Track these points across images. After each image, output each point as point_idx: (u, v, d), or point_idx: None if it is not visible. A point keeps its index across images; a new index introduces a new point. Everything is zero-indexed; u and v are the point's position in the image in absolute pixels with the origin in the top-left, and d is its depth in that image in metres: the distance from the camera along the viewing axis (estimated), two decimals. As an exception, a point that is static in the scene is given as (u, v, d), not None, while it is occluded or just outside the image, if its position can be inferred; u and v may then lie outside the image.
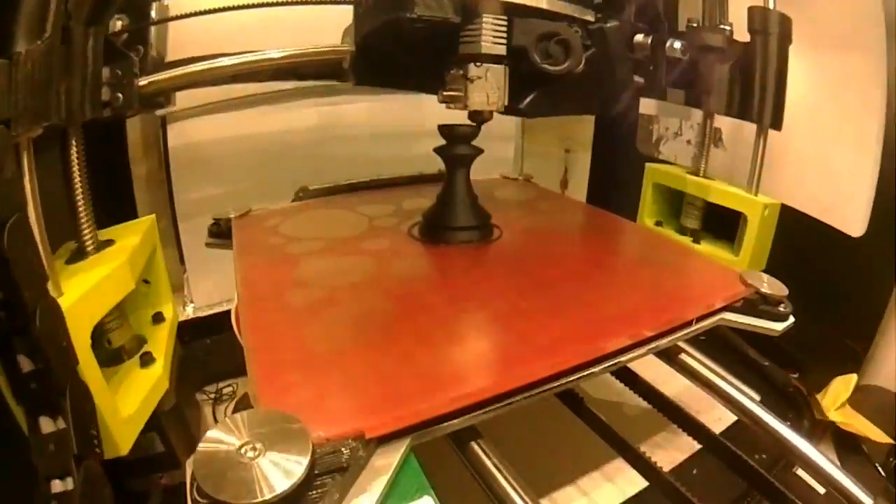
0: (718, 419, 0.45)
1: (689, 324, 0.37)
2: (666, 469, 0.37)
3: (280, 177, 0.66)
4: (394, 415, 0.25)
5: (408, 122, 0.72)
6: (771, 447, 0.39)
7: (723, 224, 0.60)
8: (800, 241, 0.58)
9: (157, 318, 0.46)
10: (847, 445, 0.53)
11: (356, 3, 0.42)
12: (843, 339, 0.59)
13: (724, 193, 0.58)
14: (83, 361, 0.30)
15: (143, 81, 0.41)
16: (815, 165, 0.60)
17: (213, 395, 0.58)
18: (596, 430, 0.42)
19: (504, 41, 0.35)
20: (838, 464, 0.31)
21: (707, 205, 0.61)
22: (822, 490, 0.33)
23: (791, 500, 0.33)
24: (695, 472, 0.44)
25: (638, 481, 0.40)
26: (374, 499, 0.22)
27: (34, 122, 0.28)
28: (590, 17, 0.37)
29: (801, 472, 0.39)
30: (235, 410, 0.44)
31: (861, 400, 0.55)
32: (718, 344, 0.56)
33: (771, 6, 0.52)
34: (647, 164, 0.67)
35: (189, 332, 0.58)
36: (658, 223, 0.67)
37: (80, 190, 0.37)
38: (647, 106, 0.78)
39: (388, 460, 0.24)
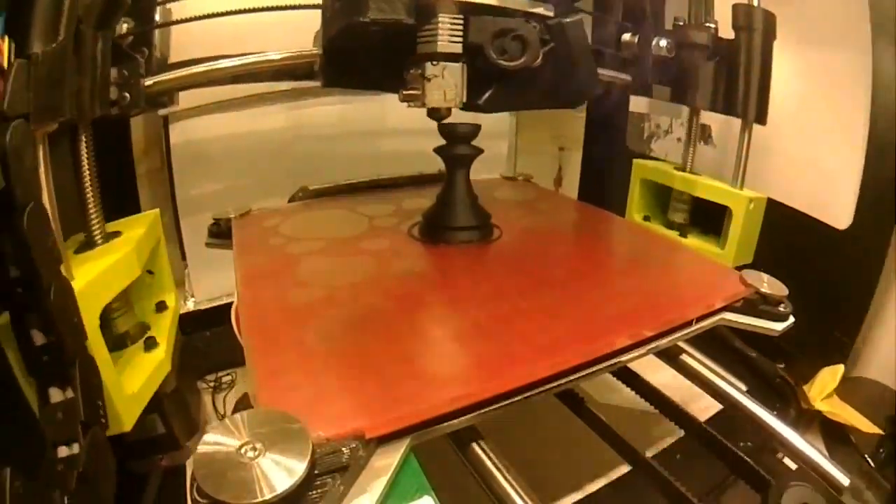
0: (704, 408, 0.46)
1: (690, 324, 0.37)
2: (664, 466, 0.37)
3: (280, 175, 0.68)
4: (394, 415, 0.25)
5: (409, 120, 0.74)
6: (756, 435, 0.40)
7: (710, 218, 0.61)
8: (786, 234, 0.59)
9: (161, 306, 0.48)
10: (835, 436, 0.54)
11: (322, 7, 0.43)
12: (830, 331, 0.59)
13: (710, 188, 0.59)
14: (92, 341, 0.31)
15: (148, 82, 0.43)
16: (802, 160, 0.61)
17: (212, 384, 0.60)
18: (596, 431, 0.42)
19: (460, 40, 0.36)
20: (822, 449, 0.32)
21: (694, 200, 0.62)
22: (793, 465, 0.34)
23: (768, 481, 0.34)
24: (694, 473, 0.44)
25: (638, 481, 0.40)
26: (374, 499, 0.22)
27: (50, 117, 0.30)
28: (548, 13, 0.38)
29: (787, 461, 0.40)
30: (235, 410, 0.45)
31: (849, 391, 0.56)
32: (706, 335, 0.57)
33: (755, 3, 0.53)
34: (635, 161, 0.68)
35: (190, 324, 0.60)
36: (646, 218, 0.68)
37: (89, 183, 0.39)
38: (638, 104, 0.80)
39: (388, 460, 0.24)
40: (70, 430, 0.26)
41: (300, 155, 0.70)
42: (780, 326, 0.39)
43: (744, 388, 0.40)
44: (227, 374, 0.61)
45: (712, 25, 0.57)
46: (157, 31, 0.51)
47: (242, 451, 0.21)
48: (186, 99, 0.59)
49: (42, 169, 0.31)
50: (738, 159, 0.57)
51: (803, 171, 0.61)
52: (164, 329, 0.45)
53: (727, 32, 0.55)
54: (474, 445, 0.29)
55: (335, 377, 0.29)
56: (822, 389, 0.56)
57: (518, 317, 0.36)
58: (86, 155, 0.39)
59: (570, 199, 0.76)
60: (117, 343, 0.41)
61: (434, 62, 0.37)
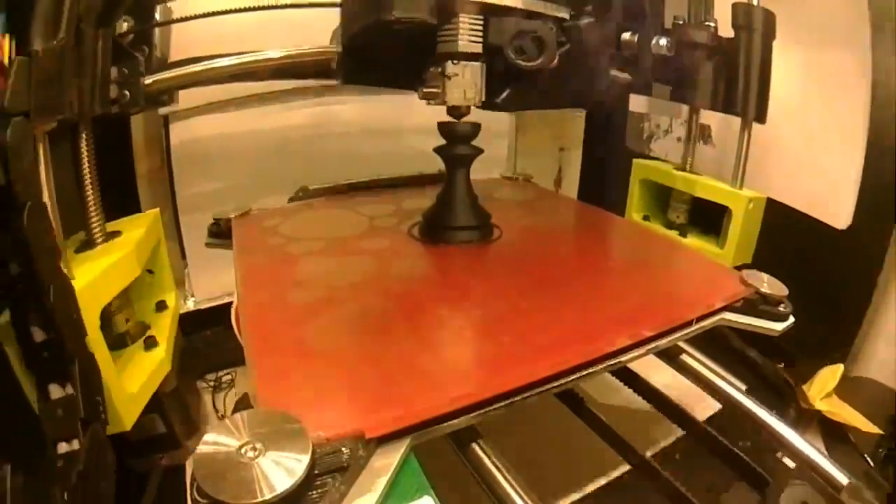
0: (705, 408, 0.46)
1: (689, 324, 0.37)
2: (667, 470, 0.37)
3: (280, 174, 0.68)
4: (394, 415, 0.25)
5: (409, 120, 0.74)
6: (756, 435, 0.40)
7: (709, 218, 0.61)
8: (786, 234, 0.59)
9: (161, 305, 0.48)
10: (834, 436, 0.54)
11: (342, 5, 0.43)
12: (830, 330, 0.59)
13: (710, 188, 0.59)
14: (93, 341, 0.31)
15: (148, 80, 0.43)
16: (802, 160, 0.61)
17: (212, 383, 0.60)
18: (596, 430, 0.42)
19: (480, 40, 0.37)
20: (821, 449, 0.32)
21: (693, 199, 0.62)
22: (791, 464, 0.34)
23: (767, 480, 0.34)
24: (694, 473, 0.44)
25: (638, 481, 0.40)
26: (374, 499, 0.22)
27: (50, 115, 0.30)
28: (565, 15, 0.39)
29: (786, 460, 0.40)
30: (235, 410, 0.45)
31: (849, 391, 0.56)
32: (706, 335, 0.57)
33: (755, 2, 0.53)
34: (635, 160, 0.68)
35: (190, 323, 0.60)
36: (645, 217, 0.68)
37: (89, 182, 0.39)
38: (638, 103, 0.80)
39: (388, 460, 0.24)
40: (70, 427, 0.26)
41: (301, 154, 0.70)
42: (780, 326, 0.40)
43: (743, 387, 0.40)
44: (227, 374, 0.61)
45: (712, 24, 0.57)
46: (157, 30, 0.51)
47: (242, 451, 0.21)
48: (187, 98, 0.59)
49: (42, 167, 0.31)
50: (737, 159, 0.57)
51: (803, 171, 0.61)
52: (164, 328, 0.45)
53: (727, 31, 0.55)
54: (474, 445, 0.29)
55: (335, 377, 0.29)
56: (822, 389, 0.56)
57: (518, 317, 0.36)
58: (86, 153, 0.39)
59: (569, 199, 0.76)
60: (117, 342, 0.41)
61: (455, 61, 0.38)
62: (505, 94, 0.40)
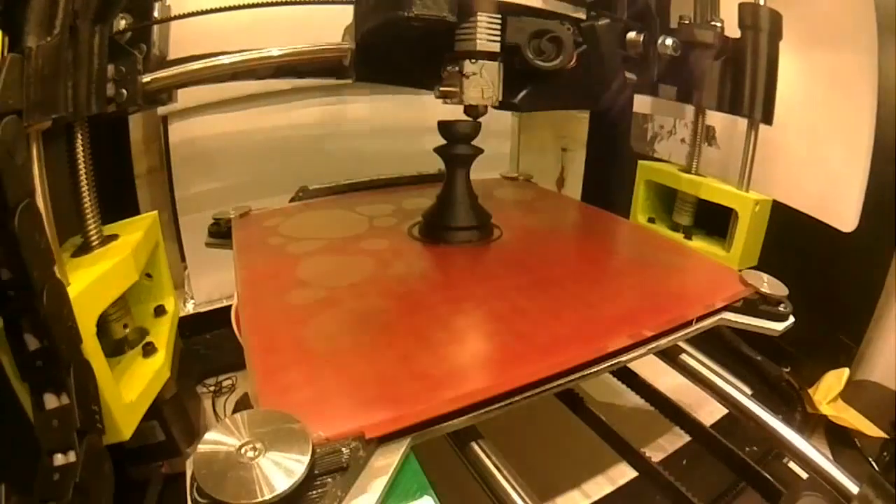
0: (710, 412, 0.46)
1: (690, 324, 0.37)
2: (667, 470, 0.37)
3: (280, 174, 0.67)
4: (394, 415, 0.25)
5: (409, 119, 0.73)
6: (762, 439, 0.39)
7: (715, 220, 0.60)
8: (791, 236, 0.59)
9: (159, 310, 0.47)
10: (840, 440, 0.54)
11: (356, 1, 0.43)
12: (835, 334, 0.59)
13: (716, 190, 0.58)
14: (89, 349, 0.31)
15: (146, 78, 0.42)
16: (808, 162, 0.61)
17: (212, 388, 0.59)
18: (595, 430, 0.42)
19: (498, 39, 0.37)
20: (828, 455, 0.32)
21: (699, 201, 0.61)
22: (804, 475, 0.33)
23: (778, 489, 0.34)
24: (695, 472, 0.44)
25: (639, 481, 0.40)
26: (374, 499, 0.22)
27: (44, 114, 0.29)
28: (581, 15, 0.39)
29: (792, 465, 0.39)
30: (235, 410, 0.44)
31: (855, 395, 0.56)
32: (711, 338, 0.57)
33: (761, 2, 0.53)
34: (640, 162, 0.68)
35: (189, 327, 0.59)
36: (651, 220, 0.68)
37: (85, 183, 0.38)
38: (641, 104, 0.79)
39: (388, 460, 0.24)
40: (66, 438, 0.25)
41: (301, 154, 0.70)
42: (780, 326, 0.39)
43: (748, 391, 0.39)
44: (228, 378, 0.60)
45: (718, 24, 0.56)
46: (155, 27, 0.50)
47: (242, 450, 0.21)
48: (186, 97, 0.58)
49: (36, 167, 0.30)
50: (744, 161, 0.57)
51: (808, 174, 0.60)
52: (162, 334, 0.44)
53: (733, 31, 0.55)
54: (474, 445, 0.29)
55: (335, 377, 0.29)
56: (828, 393, 0.56)
57: (518, 317, 0.36)
58: (82, 154, 0.38)
59: (569, 199, 0.76)
60: (115, 349, 0.40)
61: (473, 60, 0.37)
62: (523, 94, 0.40)
